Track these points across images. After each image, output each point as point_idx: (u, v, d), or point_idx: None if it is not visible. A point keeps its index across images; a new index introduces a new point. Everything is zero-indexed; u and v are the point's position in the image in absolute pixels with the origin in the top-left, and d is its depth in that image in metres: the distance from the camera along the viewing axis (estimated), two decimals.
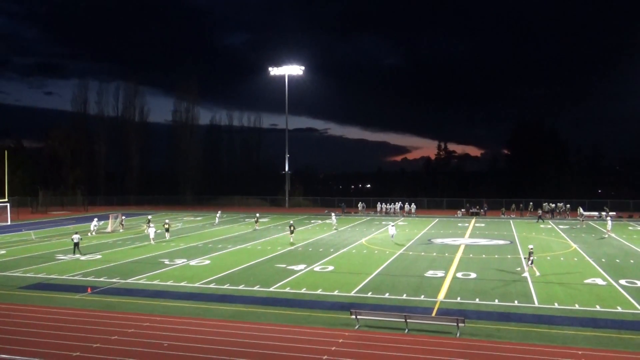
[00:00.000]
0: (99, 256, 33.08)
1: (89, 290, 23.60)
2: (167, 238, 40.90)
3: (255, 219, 50.20)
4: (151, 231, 39.65)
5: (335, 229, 46.65)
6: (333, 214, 52.68)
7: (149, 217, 48.81)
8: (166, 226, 42.28)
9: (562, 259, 31.22)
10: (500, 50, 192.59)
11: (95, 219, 47.36)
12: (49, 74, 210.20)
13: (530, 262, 26.09)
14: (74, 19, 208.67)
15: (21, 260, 32.00)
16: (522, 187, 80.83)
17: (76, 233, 35.05)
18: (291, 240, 39.06)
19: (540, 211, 57.46)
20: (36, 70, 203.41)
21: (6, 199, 56.52)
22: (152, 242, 38.67)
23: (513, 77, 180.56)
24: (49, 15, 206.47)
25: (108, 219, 48.81)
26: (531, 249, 26.90)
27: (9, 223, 54.48)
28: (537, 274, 25.93)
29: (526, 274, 26.01)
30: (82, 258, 32.38)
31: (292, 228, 40.08)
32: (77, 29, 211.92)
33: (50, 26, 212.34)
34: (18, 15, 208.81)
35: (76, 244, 33.83)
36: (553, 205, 60.81)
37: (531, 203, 62.57)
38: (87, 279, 26.13)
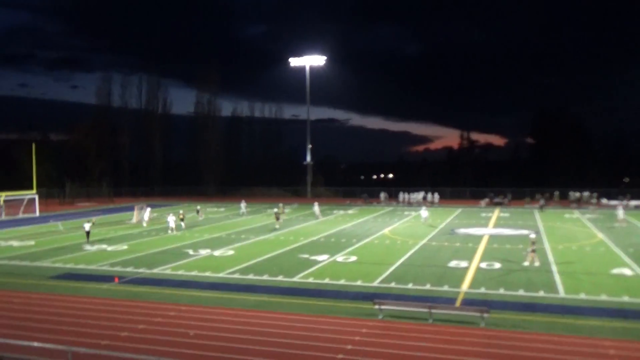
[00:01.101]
0: (125, 247, 33.63)
1: (116, 280, 24.03)
2: (183, 228, 41.53)
3: (280, 210, 49.89)
4: (171, 220, 40.41)
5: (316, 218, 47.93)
6: (316, 203, 52.90)
7: (198, 206, 52.53)
8: (181, 217, 42.73)
9: (587, 249, 30.79)
10: (523, 37, 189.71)
11: (148, 209, 48.09)
12: (73, 67, 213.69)
13: (531, 250, 25.95)
14: (97, 13, 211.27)
15: (50, 250, 32.69)
16: (546, 177, 79.69)
17: (87, 222, 36.34)
18: (277, 226, 41.80)
19: (542, 200, 56.45)
20: (61, 64, 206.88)
21: (34, 191, 57.63)
22: (172, 232, 39.37)
23: (537, 65, 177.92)
24: (72, 9, 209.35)
25: (134, 210, 49.47)
26: (533, 238, 26.70)
27: (37, 214, 55.60)
28: (537, 263, 25.69)
29: (526, 263, 25.90)
30: (89, 247, 33.34)
31: (278, 215, 43.19)
32: (100, 22, 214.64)
33: (74, 20, 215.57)
34: (43, 10, 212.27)
35: (87, 232, 35.21)
36: (578, 194, 59.87)
37: (557, 192, 61.72)
38: (114, 269, 26.60)
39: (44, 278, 24.96)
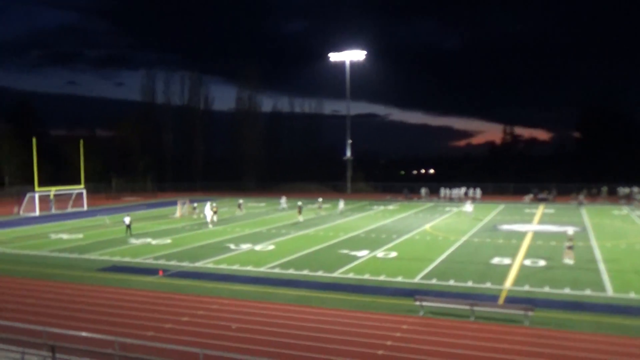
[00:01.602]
0: (169, 240, 34.34)
1: (160, 273, 24.58)
2: (215, 221, 42.41)
3: (319, 205, 50.65)
4: (208, 214, 41.38)
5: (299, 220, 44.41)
6: (341, 200, 53.54)
7: (240, 200, 53.81)
8: (214, 209, 43.40)
9: (637, 246, 29.74)
10: (568, 27, 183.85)
11: (208, 204, 48.80)
12: (119, 65, 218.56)
13: (567, 247, 25.32)
14: (141, 12, 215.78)
15: (97, 243, 33.69)
16: (593, 172, 77.30)
17: (127, 215, 38.35)
18: (300, 219, 42.93)
19: (580, 196, 54.69)
20: (107, 62, 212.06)
21: (82, 186, 59.49)
22: (210, 225, 40.49)
23: (583, 56, 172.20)
24: (118, 8, 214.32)
25: (177, 204, 50.46)
26: (570, 234, 25.94)
27: (85, 209, 57.38)
28: (570, 262, 25.00)
29: (566, 260, 25.28)
30: (134, 240, 34.17)
31: (301, 209, 44.42)
32: (144, 21, 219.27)
33: (120, 19, 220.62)
34: (90, 10, 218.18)
35: (128, 226, 36.95)
36: (628, 190, 57.87)
37: (604, 188, 59.84)
38: (158, 262, 27.21)
39: (91, 270, 25.75)
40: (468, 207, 45.40)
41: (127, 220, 37.49)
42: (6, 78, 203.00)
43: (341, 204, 51.64)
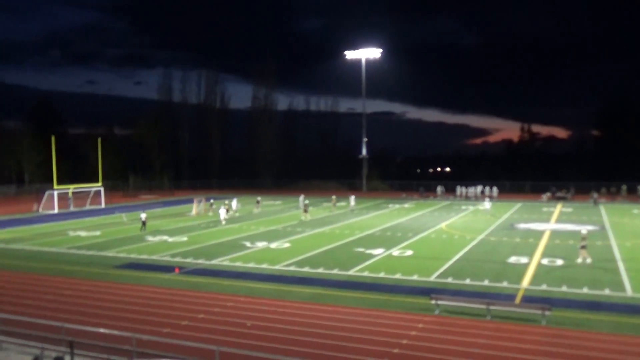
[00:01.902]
0: (185, 238, 34.57)
1: (176, 270, 24.76)
2: (227, 218, 43.53)
3: (333, 202, 51.20)
4: (222, 213, 41.97)
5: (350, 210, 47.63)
6: (352, 196, 53.67)
7: (259, 198, 54.53)
8: (226, 207, 44.87)
9: None
10: (585, 24, 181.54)
11: (235, 199, 51.08)
12: (137, 64, 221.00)
13: (581, 246, 25.02)
14: (158, 11, 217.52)
15: (114, 241, 34.03)
16: (613, 170, 76.24)
17: (143, 212, 39.93)
18: (303, 218, 43.10)
19: (595, 195, 54.00)
20: (126, 61, 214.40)
21: (100, 184, 60.14)
22: (224, 222, 41.13)
23: (601, 54, 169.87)
24: (136, 7, 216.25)
25: (193, 202, 50.78)
26: (584, 234, 25.63)
27: (102, 206, 58.00)
28: (581, 260, 24.72)
29: (580, 260, 24.96)
30: (151, 237, 34.20)
31: (307, 207, 44.67)
32: (161, 20, 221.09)
33: (138, 18, 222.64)
34: (109, 9, 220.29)
35: (143, 222, 38.30)
36: None
37: (624, 186, 59.01)
38: (175, 259, 27.41)
39: (109, 267, 26.03)
40: (487, 204, 45.84)
41: (143, 216, 38.76)
42: (27, 77, 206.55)
43: (352, 201, 51.81)
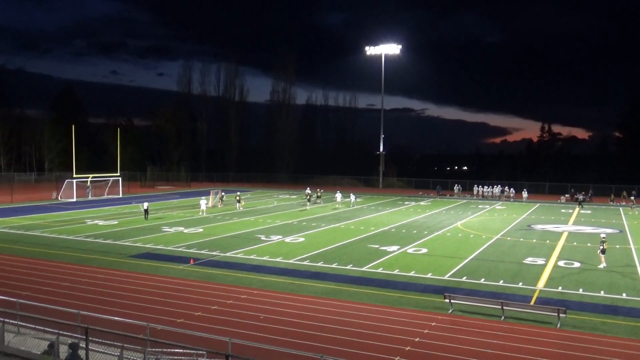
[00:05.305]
0: (201, 230, 34.79)
1: (191, 261, 24.93)
2: (240, 210, 45.22)
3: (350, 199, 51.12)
4: (202, 203, 43.90)
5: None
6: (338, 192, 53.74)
7: (223, 193, 53.69)
8: (238, 198, 46.92)
9: None
10: (609, 24, 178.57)
11: (238, 192, 51.71)
12: (160, 55, 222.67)
13: (600, 251, 24.57)
14: (182, 2, 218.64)
15: (131, 230, 34.36)
16: (635, 173, 75.01)
17: (145, 201, 41.12)
18: (307, 207, 45.28)
19: (580, 196, 53.12)
20: (149, 52, 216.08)
21: (118, 173, 60.74)
22: (202, 214, 42.59)
23: (625, 54, 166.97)
24: None
25: (209, 194, 51.06)
26: (604, 237, 25.23)
27: (120, 196, 58.60)
28: (602, 265, 24.26)
29: (601, 265, 24.48)
30: (167, 228, 34.36)
31: (309, 197, 47.43)
32: (184, 11, 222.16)
33: (162, 10, 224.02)
34: (134, 0, 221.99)
35: (146, 211, 39.57)
36: None
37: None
38: (190, 250, 27.60)
39: (125, 256, 26.29)
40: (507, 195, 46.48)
41: (145, 205, 40.14)
42: (51, 66, 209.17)
43: (352, 197, 51.49)
